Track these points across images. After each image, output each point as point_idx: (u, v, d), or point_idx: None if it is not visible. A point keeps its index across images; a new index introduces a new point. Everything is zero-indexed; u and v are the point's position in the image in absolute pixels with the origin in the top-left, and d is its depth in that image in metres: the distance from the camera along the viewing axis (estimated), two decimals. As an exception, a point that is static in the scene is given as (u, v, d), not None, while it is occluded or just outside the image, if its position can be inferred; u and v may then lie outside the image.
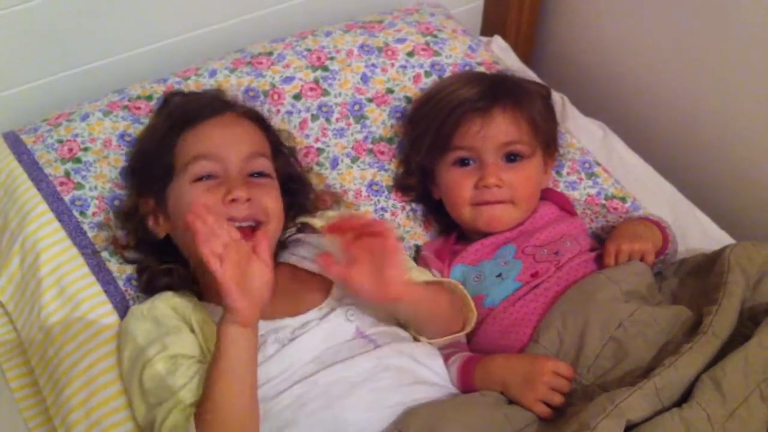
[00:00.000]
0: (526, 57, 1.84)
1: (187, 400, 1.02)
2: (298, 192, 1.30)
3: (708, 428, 0.98)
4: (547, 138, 1.33)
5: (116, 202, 1.30)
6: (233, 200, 1.12)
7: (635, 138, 1.62)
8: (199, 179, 1.16)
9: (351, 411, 1.04)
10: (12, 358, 1.28)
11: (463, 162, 1.30)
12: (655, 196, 1.47)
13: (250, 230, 1.13)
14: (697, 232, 1.41)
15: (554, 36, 1.91)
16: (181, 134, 1.19)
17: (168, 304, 1.13)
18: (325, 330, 1.10)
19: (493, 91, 1.31)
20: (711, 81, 1.58)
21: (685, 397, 1.01)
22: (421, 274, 1.23)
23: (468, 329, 1.19)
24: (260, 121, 1.28)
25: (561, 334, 1.14)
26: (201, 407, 0.99)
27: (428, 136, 1.32)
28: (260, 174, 1.19)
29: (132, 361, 1.10)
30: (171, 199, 1.18)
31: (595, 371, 1.11)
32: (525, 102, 1.31)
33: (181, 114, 1.24)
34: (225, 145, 1.18)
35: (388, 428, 1.02)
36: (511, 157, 1.29)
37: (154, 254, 1.22)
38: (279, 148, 1.30)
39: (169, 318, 1.11)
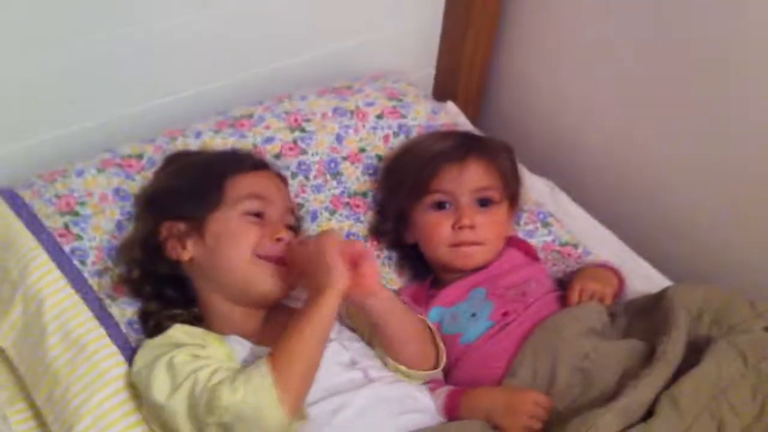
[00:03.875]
0: (474, 122, 2.00)
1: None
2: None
3: (669, 441, 1.12)
4: (512, 191, 1.48)
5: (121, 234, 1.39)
6: (278, 239, 1.27)
7: (576, 195, 1.80)
8: (248, 214, 1.29)
9: None
10: (15, 403, 1.32)
11: (440, 205, 1.42)
12: (601, 243, 1.63)
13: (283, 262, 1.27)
14: (639, 276, 1.56)
15: (500, 102, 2.08)
16: (233, 175, 1.32)
17: (180, 331, 1.23)
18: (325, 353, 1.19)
19: (466, 144, 1.47)
20: (637, 140, 1.78)
21: (647, 415, 1.15)
22: None
23: (441, 365, 1.30)
24: (285, 183, 1.45)
25: (534, 368, 1.27)
26: (285, 356, 1.10)
27: (407, 182, 1.46)
28: (289, 227, 1.34)
29: (161, 364, 1.16)
30: (213, 225, 1.28)
31: (566, 398, 1.23)
32: (494, 155, 1.46)
33: (236, 159, 1.40)
34: (273, 193, 1.33)
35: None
36: (483, 202, 1.43)
37: (158, 293, 1.31)
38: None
39: (187, 338, 1.21)
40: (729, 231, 1.67)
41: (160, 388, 1.14)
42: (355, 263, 1.17)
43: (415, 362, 1.27)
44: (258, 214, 1.30)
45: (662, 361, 1.20)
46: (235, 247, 1.27)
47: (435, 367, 1.30)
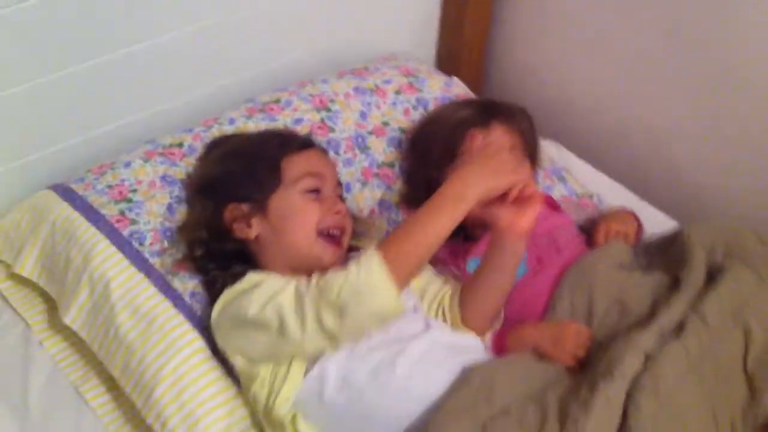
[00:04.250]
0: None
1: None
2: None
3: (699, 350, 1.22)
4: (532, 149, 1.60)
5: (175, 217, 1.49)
6: (337, 212, 1.38)
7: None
8: (307, 192, 1.38)
9: (415, 380, 1.23)
10: (88, 380, 1.43)
11: None
12: (611, 193, 1.76)
13: (338, 237, 1.38)
14: (649, 220, 1.65)
15: (501, 83, 2.20)
16: (287, 156, 1.41)
17: (256, 274, 1.30)
18: None
19: (488, 109, 1.58)
20: (632, 102, 1.91)
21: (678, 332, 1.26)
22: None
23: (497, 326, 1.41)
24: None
25: (572, 303, 1.38)
26: (400, 234, 1.21)
27: (435, 149, 1.56)
28: (340, 197, 1.45)
29: (252, 289, 1.24)
30: (276, 205, 1.37)
31: (604, 328, 1.34)
32: (515, 117, 1.57)
33: (285, 140, 1.48)
34: (325, 169, 1.43)
35: (455, 383, 1.22)
36: None
37: (222, 267, 1.38)
38: None
39: (265, 277, 1.28)
40: (725, 176, 1.80)
41: (257, 301, 1.21)
42: (521, 202, 1.27)
43: (479, 325, 1.38)
44: (315, 190, 1.40)
45: (687, 286, 1.32)
46: (299, 225, 1.36)
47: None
